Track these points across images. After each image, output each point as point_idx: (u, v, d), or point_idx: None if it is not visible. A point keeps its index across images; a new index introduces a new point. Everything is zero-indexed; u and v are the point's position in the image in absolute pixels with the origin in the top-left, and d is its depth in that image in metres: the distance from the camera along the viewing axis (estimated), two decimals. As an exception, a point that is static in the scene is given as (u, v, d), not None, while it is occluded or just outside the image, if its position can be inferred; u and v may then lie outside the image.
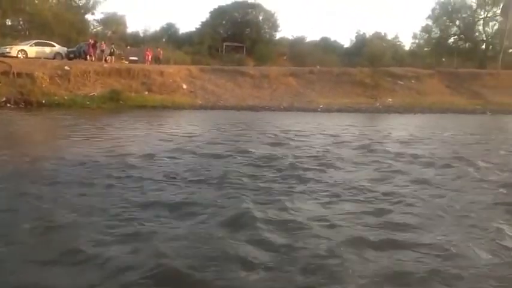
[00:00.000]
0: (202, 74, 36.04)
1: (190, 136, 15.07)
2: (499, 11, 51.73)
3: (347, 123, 22.61)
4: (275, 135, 16.10)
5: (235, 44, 50.27)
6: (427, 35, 56.98)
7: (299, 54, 50.05)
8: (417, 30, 59.91)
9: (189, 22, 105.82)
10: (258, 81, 37.13)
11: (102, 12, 48.77)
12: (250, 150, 11.71)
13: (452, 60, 52.77)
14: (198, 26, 53.98)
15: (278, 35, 55.34)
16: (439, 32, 56.15)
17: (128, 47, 43.43)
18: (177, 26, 56.67)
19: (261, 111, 29.70)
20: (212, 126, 19.48)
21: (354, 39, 56.07)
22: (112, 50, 35.18)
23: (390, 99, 37.15)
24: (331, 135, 16.23)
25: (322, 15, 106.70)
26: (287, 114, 27.90)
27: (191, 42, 48.69)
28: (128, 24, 63.97)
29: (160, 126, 18.88)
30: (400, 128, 20.68)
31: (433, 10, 55.55)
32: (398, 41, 58.27)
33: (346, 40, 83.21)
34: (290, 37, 57.40)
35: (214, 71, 37.30)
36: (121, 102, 28.27)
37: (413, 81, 41.15)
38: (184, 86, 33.29)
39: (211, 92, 33.81)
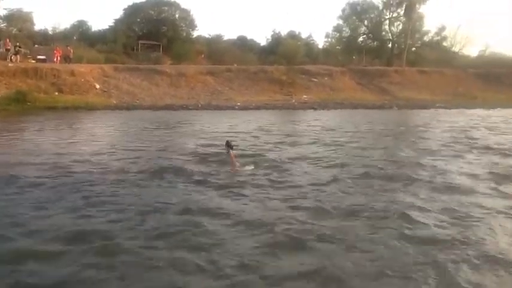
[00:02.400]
0: (116, 73, 35.02)
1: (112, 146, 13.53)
2: (402, 12, 55.24)
3: (260, 122, 23.13)
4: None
5: (151, 42, 49.24)
6: (338, 34, 59.72)
7: (217, 52, 50.15)
8: (329, 29, 62.48)
9: (102, 19, 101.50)
10: (175, 79, 36.78)
11: (5, 8, 45.32)
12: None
13: (362, 58, 55.66)
14: (111, 24, 52.41)
15: (195, 34, 55.09)
16: (349, 31, 59.04)
17: (36, 46, 41.06)
18: (89, 23, 54.05)
19: (178, 110, 29.48)
20: (126, 131, 18.64)
21: (269, 38, 57.19)
22: (17, 49, 33.15)
23: (305, 96, 38.43)
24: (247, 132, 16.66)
25: (239, 14, 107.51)
26: (204, 113, 27.95)
27: (104, 40, 47.00)
28: (36, 21, 60.04)
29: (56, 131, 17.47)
30: (315, 123, 21.60)
31: (343, 10, 58.38)
32: (312, 40, 60.58)
33: (262, 39, 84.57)
34: (207, 35, 57.34)
35: (129, 69, 36.40)
36: (28, 103, 26.71)
37: (326, 78, 42.87)
38: (98, 86, 32.18)
39: (127, 92, 32.96)
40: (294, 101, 36.44)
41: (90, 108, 27.88)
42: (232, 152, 10.00)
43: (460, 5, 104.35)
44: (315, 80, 42.13)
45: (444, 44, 59.70)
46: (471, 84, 48.07)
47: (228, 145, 9.96)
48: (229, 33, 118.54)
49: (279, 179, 8.93)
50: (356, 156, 11.81)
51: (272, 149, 12.83)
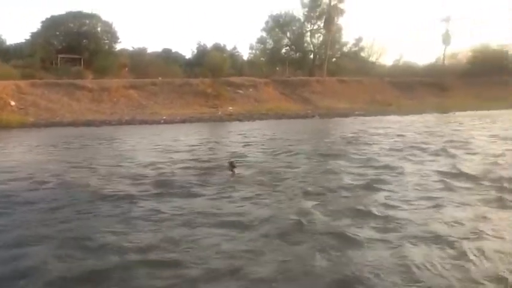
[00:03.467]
0: (33, 89, 33.74)
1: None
2: (322, 24, 57.70)
3: (184, 136, 23.27)
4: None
5: (72, 55, 47.66)
6: (262, 45, 61.27)
7: (141, 65, 49.46)
8: (253, 41, 63.80)
9: (17, 33, 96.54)
10: (98, 94, 36.02)
11: None
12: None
13: (285, 69, 57.36)
14: (28, 38, 50.07)
15: (118, 46, 53.96)
16: (272, 43, 60.76)
17: None
18: (3, 37, 51.38)
19: (101, 127, 28.82)
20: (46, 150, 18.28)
21: (195, 50, 57.39)
22: None
23: (231, 108, 38.97)
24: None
25: (163, 26, 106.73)
26: (128, 129, 27.57)
27: (21, 54, 44.94)
28: None
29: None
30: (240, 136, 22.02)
31: (267, 23, 60.14)
32: (237, 52, 61.46)
33: (187, 51, 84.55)
34: (131, 48, 56.43)
35: (47, 85, 35.19)
36: None
37: (251, 89, 43.77)
38: (13, 103, 30.82)
39: (45, 108, 31.85)
40: (220, 113, 36.80)
41: (4, 126, 26.63)
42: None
43: (375, 17, 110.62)
44: (240, 91, 42.89)
45: (362, 54, 63.09)
46: (387, 92, 51.18)
47: (232, 165, 10.76)
48: (154, 46, 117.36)
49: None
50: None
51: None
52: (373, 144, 16.97)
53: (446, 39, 61.29)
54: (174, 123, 31.42)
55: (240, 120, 34.05)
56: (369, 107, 43.24)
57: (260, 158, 13.75)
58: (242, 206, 7.93)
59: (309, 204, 7.94)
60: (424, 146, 15.91)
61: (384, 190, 9.02)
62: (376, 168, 11.53)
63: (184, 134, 23.04)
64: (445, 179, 9.95)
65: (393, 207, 7.72)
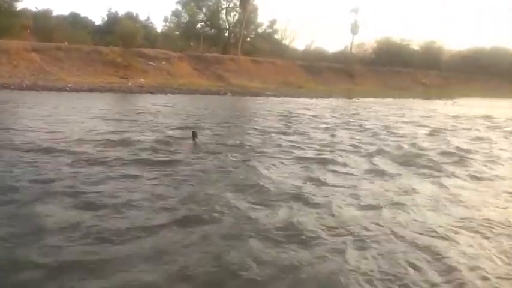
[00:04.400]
0: None
1: None
2: (238, 3, 57.72)
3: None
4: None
5: (-35, 12, 43.04)
6: (177, 19, 59.92)
7: (45, 28, 46.02)
8: (168, 13, 62.25)
9: None
10: (-5, 55, 33.05)
11: None
12: None
13: (199, 45, 56.68)
14: None
15: (20, 6, 49.53)
16: (188, 17, 59.59)
17: None
18: None
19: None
20: None
21: (105, 17, 54.56)
22: None
23: (142, 80, 37.85)
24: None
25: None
26: (29, 94, 25.69)
27: None
28: None
29: None
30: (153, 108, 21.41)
31: (183, -4, 58.55)
32: (151, 23, 59.37)
33: (97, 17, 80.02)
34: (34, 9, 52.17)
35: None
36: None
37: (164, 62, 42.78)
38: None
39: None
40: (130, 84, 35.59)
41: None
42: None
43: (290, 0, 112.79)
44: (153, 64, 41.75)
45: (276, 36, 64.24)
46: (298, 75, 52.83)
47: (195, 135, 10.83)
48: (60, 9, 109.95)
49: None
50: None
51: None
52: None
53: (354, 29, 64.34)
54: (80, 92, 29.81)
55: (151, 92, 33.21)
56: (281, 88, 44.36)
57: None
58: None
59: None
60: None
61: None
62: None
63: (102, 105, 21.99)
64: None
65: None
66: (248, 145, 10.91)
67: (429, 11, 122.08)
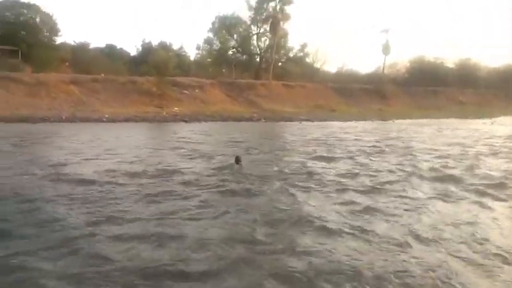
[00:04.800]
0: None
1: None
2: (268, 28, 58.24)
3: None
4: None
5: (8, 47, 44.93)
6: (209, 46, 60.96)
7: (82, 61, 47.72)
8: (200, 42, 63.52)
9: None
10: (35, 89, 34.26)
11: None
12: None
13: (231, 71, 57.36)
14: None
15: (58, 40, 51.59)
16: (219, 45, 60.52)
17: None
18: None
19: (38, 123, 27.31)
20: None
21: (140, 47, 56.13)
22: None
23: (176, 108, 38.36)
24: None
25: (107, 20, 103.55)
26: (69, 126, 26.35)
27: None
28: None
29: None
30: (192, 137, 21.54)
31: (213, 23, 59.95)
32: (184, 51, 60.73)
33: (132, 48, 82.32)
34: (72, 43, 54.24)
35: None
36: None
37: (197, 90, 43.37)
38: None
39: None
40: (164, 113, 36.08)
41: None
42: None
43: (320, 24, 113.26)
44: (186, 92, 42.39)
45: (307, 60, 64.34)
46: (330, 98, 52.53)
47: (238, 159, 11.56)
48: (97, 41, 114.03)
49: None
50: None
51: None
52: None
53: (386, 49, 63.74)
54: (116, 122, 30.44)
55: (185, 121, 33.47)
56: (313, 111, 44.12)
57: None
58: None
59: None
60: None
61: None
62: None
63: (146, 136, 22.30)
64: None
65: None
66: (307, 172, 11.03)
67: (463, 28, 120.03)
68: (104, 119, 31.20)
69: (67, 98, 35.19)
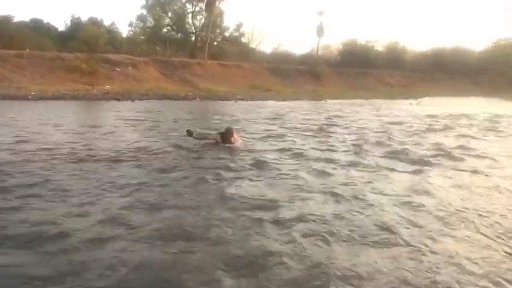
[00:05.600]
0: None
1: None
2: (204, 7, 57.61)
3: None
4: None
5: None
6: (143, 23, 59.33)
7: (5, 35, 44.73)
8: (133, 18, 61.67)
9: None
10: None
11: None
12: None
13: (166, 49, 56.33)
14: None
15: (-22, 12, 48.15)
16: (153, 22, 59.08)
17: None
18: None
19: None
20: None
21: (68, 22, 53.51)
22: None
23: (108, 86, 37.26)
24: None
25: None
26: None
27: None
28: None
29: None
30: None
31: (147, 0, 58.09)
32: (115, 28, 58.57)
33: (60, 23, 78.21)
34: (-6, 16, 50.57)
35: None
36: None
37: (130, 68, 42.29)
38: None
39: None
40: (95, 91, 34.95)
41: None
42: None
43: (256, 4, 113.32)
44: (118, 69, 41.24)
45: (243, 40, 64.40)
46: (266, 78, 53.18)
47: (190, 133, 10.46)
48: (21, 15, 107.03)
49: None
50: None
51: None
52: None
53: (320, 31, 65.22)
54: (44, 100, 29.10)
55: (117, 99, 32.53)
56: (249, 91, 44.54)
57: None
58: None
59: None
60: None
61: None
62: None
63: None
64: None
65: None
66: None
67: (393, 13, 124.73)
68: (30, 97, 29.68)
69: (-13, 74, 33.18)
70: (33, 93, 30.77)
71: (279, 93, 44.79)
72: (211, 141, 10.59)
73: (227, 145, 10.34)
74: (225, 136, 10.40)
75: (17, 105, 24.55)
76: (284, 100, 39.48)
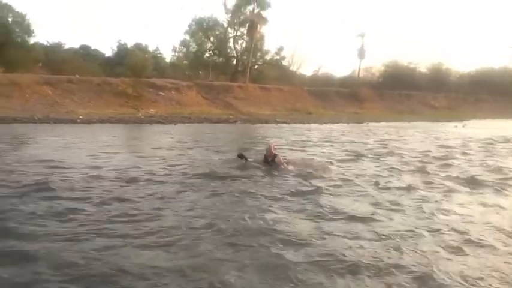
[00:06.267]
0: None
1: None
2: (245, 31, 58.46)
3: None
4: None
5: (-22, 47, 43.90)
6: (185, 48, 60.82)
7: (56, 61, 46.99)
8: (176, 43, 63.38)
9: None
10: (7, 89, 33.52)
11: None
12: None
13: (208, 73, 57.37)
14: None
15: (32, 40, 50.54)
16: (196, 47, 60.44)
17: None
18: None
19: (11, 124, 26.74)
20: None
21: (115, 48, 55.61)
22: None
23: (152, 110, 38.14)
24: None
25: (81, 21, 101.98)
26: (41, 127, 25.88)
27: None
28: None
29: None
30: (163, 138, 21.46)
31: (190, 26, 59.81)
32: (159, 53, 60.38)
33: (107, 49, 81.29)
34: (46, 43, 53.25)
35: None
36: None
37: (173, 92, 43.18)
38: None
39: None
40: (140, 114, 35.82)
41: None
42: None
43: (297, 27, 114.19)
44: (162, 93, 42.17)
45: (283, 63, 64.77)
46: (306, 101, 53.08)
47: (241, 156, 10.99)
48: (71, 42, 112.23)
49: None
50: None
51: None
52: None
53: (361, 53, 64.77)
54: (91, 124, 30.01)
55: (161, 122, 33.21)
56: (290, 114, 44.55)
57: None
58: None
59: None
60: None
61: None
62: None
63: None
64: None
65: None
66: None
67: (437, 33, 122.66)
68: (78, 120, 30.66)
69: (40, 98, 34.56)
70: (81, 116, 31.79)
71: (320, 116, 44.53)
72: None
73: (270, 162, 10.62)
74: (266, 155, 10.71)
75: (67, 129, 25.39)
76: (325, 123, 39.13)
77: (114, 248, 5.20)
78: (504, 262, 5.02)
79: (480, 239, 5.81)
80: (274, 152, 10.84)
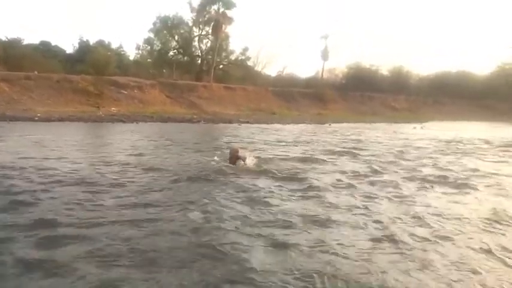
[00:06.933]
0: None
1: None
2: (210, 30, 58.42)
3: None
4: None
5: None
6: (149, 46, 60.20)
7: (15, 57, 45.50)
8: (140, 41, 62.58)
9: None
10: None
11: None
12: None
13: (172, 72, 57.01)
14: None
15: (-12, 35, 48.95)
16: (160, 45, 59.95)
17: None
18: None
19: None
20: None
21: (76, 45, 54.44)
22: None
23: (114, 108, 37.64)
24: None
25: (41, 17, 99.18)
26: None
27: None
28: None
29: None
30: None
31: (155, 24, 59.25)
32: (123, 51, 59.49)
33: (68, 46, 79.36)
34: (3, 38, 51.52)
35: None
36: None
37: (136, 90, 42.73)
38: None
39: None
40: (101, 113, 35.23)
41: None
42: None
43: (262, 28, 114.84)
44: (125, 92, 41.66)
45: (248, 63, 65.06)
46: (271, 101, 53.54)
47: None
48: (31, 38, 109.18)
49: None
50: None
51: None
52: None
53: (324, 55, 65.82)
54: (50, 122, 29.34)
55: (123, 121, 32.74)
56: (254, 114, 44.83)
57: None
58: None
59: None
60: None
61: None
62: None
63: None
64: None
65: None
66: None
67: (399, 36, 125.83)
68: (36, 118, 29.92)
69: (-4, 95, 33.63)
70: (39, 114, 31.03)
71: (284, 117, 45.01)
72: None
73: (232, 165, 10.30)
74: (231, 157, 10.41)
75: (28, 127, 24.72)
76: (288, 123, 39.54)
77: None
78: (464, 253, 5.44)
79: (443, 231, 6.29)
80: (237, 154, 10.56)
